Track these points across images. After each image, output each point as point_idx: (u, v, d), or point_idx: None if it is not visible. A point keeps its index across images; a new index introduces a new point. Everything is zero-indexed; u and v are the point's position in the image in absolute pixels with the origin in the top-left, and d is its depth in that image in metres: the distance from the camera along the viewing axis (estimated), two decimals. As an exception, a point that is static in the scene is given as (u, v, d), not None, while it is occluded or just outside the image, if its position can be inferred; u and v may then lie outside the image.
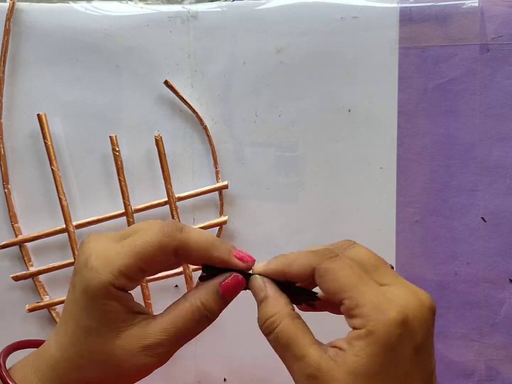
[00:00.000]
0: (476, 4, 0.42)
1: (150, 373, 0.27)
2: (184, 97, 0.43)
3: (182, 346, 0.27)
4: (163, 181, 0.43)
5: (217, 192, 0.44)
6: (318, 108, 0.44)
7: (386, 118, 0.43)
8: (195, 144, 0.44)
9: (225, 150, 0.44)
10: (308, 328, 0.25)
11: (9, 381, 0.26)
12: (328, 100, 0.44)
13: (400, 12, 0.42)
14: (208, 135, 0.44)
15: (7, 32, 0.42)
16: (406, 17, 0.42)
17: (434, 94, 0.43)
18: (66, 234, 0.43)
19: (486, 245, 0.43)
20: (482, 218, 0.43)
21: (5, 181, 0.43)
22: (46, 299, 0.44)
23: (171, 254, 0.26)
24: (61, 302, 0.44)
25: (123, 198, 0.43)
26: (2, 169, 0.43)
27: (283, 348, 0.24)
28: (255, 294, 0.27)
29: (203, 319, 0.27)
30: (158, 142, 0.42)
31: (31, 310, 0.43)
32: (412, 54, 0.43)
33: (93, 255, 0.26)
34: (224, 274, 0.27)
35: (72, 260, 0.43)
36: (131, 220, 0.43)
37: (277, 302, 0.26)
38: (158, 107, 0.44)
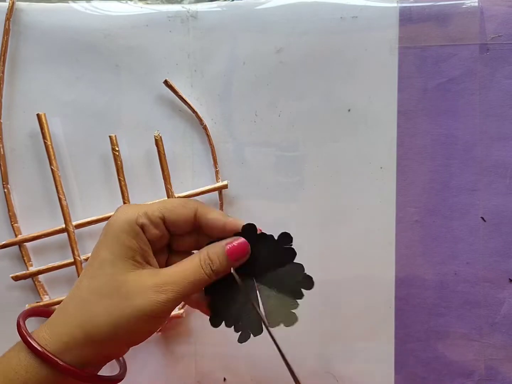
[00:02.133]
0: (476, 4, 0.42)
1: (159, 319, 0.29)
2: (184, 96, 0.43)
3: (190, 294, 0.30)
4: (163, 181, 0.43)
5: (217, 192, 0.44)
6: (318, 108, 0.44)
7: (386, 117, 0.43)
8: (195, 144, 0.44)
9: (225, 150, 0.44)
10: None
11: (21, 322, 0.30)
12: (328, 100, 0.44)
13: (400, 12, 0.42)
14: (208, 135, 0.44)
15: (6, 32, 0.42)
16: (406, 17, 0.43)
17: (434, 94, 0.43)
18: (65, 234, 0.43)
19: (486, 245, 0.43)
20: (482, 217, 0.43)
21: (5, 181, 0.43)
22: (46, 299, 0.44)
23: (191, 213, 0.31)
24: (61, 302, 0.44)
25: (123, 198, 0.43)
26: (2, 169, 0.43)
27: None
28: None
29: (209, 270, 0.30)
30: (158, 142, 0.42)
31: (31, 310, 0.43)
32: (412, 54, 0.43)
33: (122, 207, 0.31)
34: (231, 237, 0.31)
35: (72, 260, 0.43)
36: (131, 220, 0.43)
37: None
38: (158, 107, 0.44)
